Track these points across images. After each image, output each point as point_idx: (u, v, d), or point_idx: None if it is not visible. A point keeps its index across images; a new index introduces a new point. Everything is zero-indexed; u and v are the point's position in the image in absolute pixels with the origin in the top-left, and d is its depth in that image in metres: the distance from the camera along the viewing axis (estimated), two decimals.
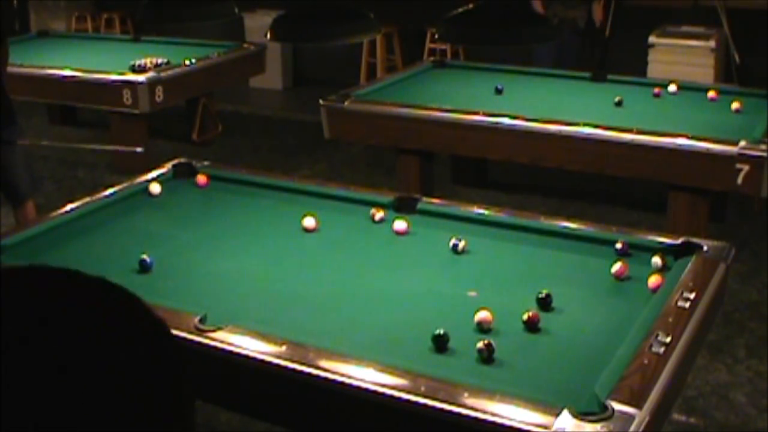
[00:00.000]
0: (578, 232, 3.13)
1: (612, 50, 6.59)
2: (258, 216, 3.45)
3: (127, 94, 5.86)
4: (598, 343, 2.44)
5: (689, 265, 2.80)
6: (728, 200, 5.10)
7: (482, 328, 2.48)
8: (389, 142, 5.15)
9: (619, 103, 4.96)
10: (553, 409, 2.02)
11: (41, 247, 3.09)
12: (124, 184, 3.65)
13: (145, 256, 2.90)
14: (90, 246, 3.16)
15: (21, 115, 4.52)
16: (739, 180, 4.06)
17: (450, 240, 3.05)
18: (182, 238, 3.26)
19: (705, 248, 2.90)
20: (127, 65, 6.13)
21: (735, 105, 4.84)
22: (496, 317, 2.49)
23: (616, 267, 2.83)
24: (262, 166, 5.68)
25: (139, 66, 6.11)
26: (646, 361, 2.23)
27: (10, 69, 4.57)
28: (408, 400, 2.11)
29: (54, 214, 3.40)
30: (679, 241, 2.98)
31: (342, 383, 2.20)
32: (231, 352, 2.36)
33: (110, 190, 3.61)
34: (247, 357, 2.34)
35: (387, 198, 3.45)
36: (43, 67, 6.16)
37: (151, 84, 5.86)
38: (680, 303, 2.53)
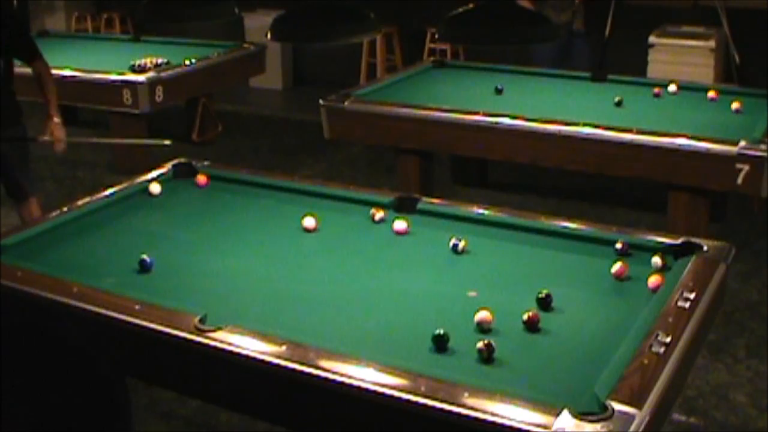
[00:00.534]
0: (578, 232, 3.13)
1: (612, 50, 6.59)
2: (258, 216, 3.45)
3: (127, 94, 5.86)
4: (598, 343, 2.44)
5: (689, 265, 2.80)
6: (728, 200, 5.10)
7: (482, 328, 2.48)
8: (389, 142, 5.15)
9: (619, 103, 4.96)
10: (553, 409, 2.02)
11: (41, 247, 3.09)
12: (124, 184, 3.65)
13: (145, 256, 2.90)
14: (90, 246, 3.16)
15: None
16: (739, 180, 4.06)
17: (450, 240, 3.05)
18: (182, 238, 3.26)
19: (705, 248, 2.90)
20: (127, 65, 6.13)
21: (735, 105, 4.84)
22: (496, 317, 2.49)
23: (616, 267, 2.83)
24: (262, 166, 5.68)
25: (139, 66, 6.12)
26: (646, 361, 2.23)
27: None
28: (408, 400, 2.11)
29: (54, 214, 3.41)
30: (679, 241, 2.98)
31: (342, 383, 2.20)
32: (231, 352, 2.36)
33: (110, 190, 3.61)
34: (247, 357, 2.34)
35: (387, 198, 3.45)
36: None
37: (151, 84, 5.86)
38: (680, 303, 2.53)
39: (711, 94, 5.10)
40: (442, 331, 2.38)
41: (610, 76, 5.52)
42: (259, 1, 8.24)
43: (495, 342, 2.34)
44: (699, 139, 4.17)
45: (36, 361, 3.02)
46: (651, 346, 2.29)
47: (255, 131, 7.58)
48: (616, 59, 6.48)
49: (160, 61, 6.24)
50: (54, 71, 6.04)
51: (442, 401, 2.08)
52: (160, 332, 2.47)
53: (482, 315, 2.49)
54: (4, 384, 3.07)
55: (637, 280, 2.79)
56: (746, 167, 4.03)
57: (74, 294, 2.67)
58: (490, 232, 3.21)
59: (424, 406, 2.09)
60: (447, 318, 2.55)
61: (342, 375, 2.21)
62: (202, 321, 2.46)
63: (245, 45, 7.13)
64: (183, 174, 3.80)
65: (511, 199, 5.58)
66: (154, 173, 3.76)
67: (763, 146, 4.04)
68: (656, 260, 2.88)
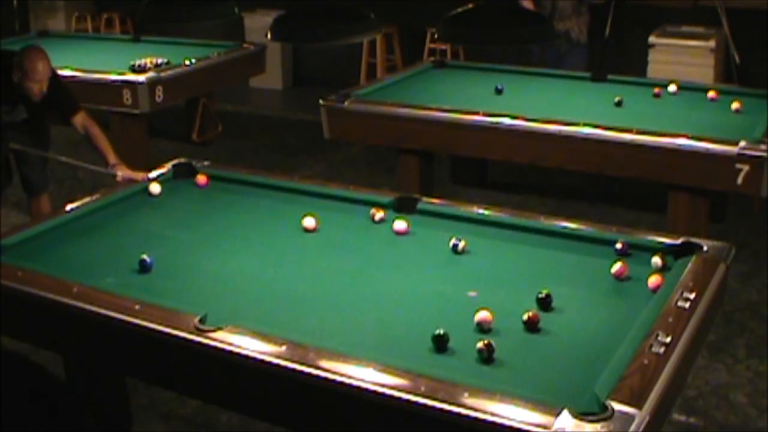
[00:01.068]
0: (578, 232, 3.13)
1: (612, 50, 6.59)
2: (258, 216, 3.45)
3: (127, 94, 5.85)
4: (598, 343, 2.44)
5: (689, 265, 2.80)
6: (728, 200, 5.10)
7: (482, 328, 2.48)
8: (389, 142, 5.15)
9: (619, 103, 4.95)
10: (553, 409, 2.02)
11: (41, 247, 3.10)
12: (124, 185, 3.66)
13: (145, 256, 2.90)
14: (90, 246, 3.16)
15: None
16: (739, 180, 4.05)
17: (450, 240, 3.05)
18: (182, 238, 3.26)
19: (705, 248, 2.91)
20: (127, 65, 6.13)
21: (735, 105, 4.83)
22: (496, 317, 2.50)
23: (616, 267, 2.83)
24: (262, 166, 5.68)
25: (139, 66, 6.11)
26: (646, 361, 2.23)
27: None
28: (408, 400, 2.11)
29: (54, 214, 3.41)
30: (679, 241, 2.98)
31: (342, 383, 2.20)
32: (231, 352, 2.36)
33: (110, 191, 3.61)
34: (247, 357, 2.34)
35: (387, 198, 3.46)
36: None
37: (151, 84, 5.85)
38: (680, 303, 2.53)
39: (711, 94, 5.09)
40: (442, 331, 2.38)
41: (610, 76, 5.51)
42: (259, 1, 8.24)
43: (495, 342, 2.34)
44: (699, 139, 4.17)
45: None
46: (651, 346, 2.29)
47: (255, 131, 7.58)
48: (616, 59, 6.48)
49: (160, 61, 6.24)
50: None
51: (442, 401, 2.08)
52: (160, 332, 2.47)
53: (482, 315, 2.49)
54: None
55: (637, 280, 2.79)
56: (746, 167, 4.02)
57: (74, 294, 2.67)
58: (490, 232, 3.21)
59: (424, 406, 2.09)
60: (447, 318, 2.55)
61: (342, 375, 2.21)
62: (202, 321, 2.46)
63: (245, 45, 7.12)
64: (183, 174, 3.80)
65: (511, 199, 5.58)
66: (154, 173, 3.77)
67: (763, 146, 4.04)
68: (656, 260, 2.88)
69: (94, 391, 3.23)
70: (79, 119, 4.45)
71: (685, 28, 6.92)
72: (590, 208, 5.47)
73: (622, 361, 2.23)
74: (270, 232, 3.29)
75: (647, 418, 2.02)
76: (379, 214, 3.32)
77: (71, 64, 6.19)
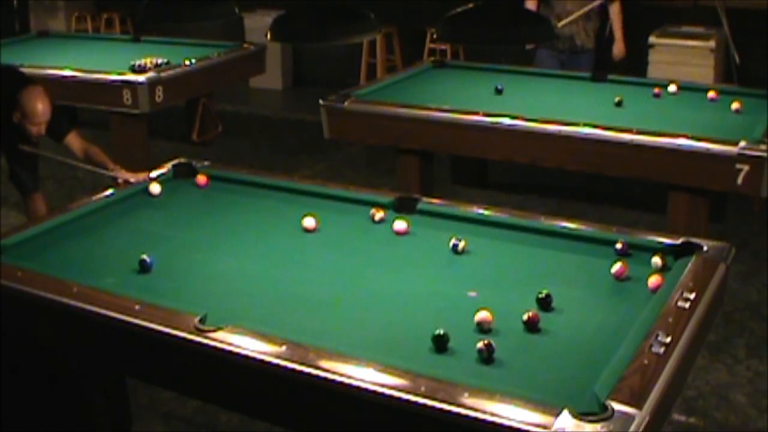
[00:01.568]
0: (578, 232, 3.13)
1: (611, 50, 6.58)
2: (258, 216, 3.45)
3: (127, 94, 5.85)
4: (598, 343, 2.44)
5: (689, 265, 2.80)
6: (728, 200, 5.10)
7: (482, 328, 2.48)
8: (389, 142, 5.15)
9: (619, 103, 4.95)
10: (553, 409, 2.02)
11: (41, 247, 3.09)
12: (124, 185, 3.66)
13: (145, 256, 2.90)
14: (90, 246, 3.16)
15: None
16: (739, 180, 4.05)
17: (450, 240, 3.05)
18: (182, 238, 3.26)
19: (705, 248, 2.90)
20: (127, 65, 6.12)
21: (735, 105, 4.83)
22: (496, 317, 2.50)
23: (616, 267, 2.83)
24: (262, 166, 5.68)
25: (139, 66, 6.11)
26: (646, 361, 2.23)
27: None
28: (408, 400, 2.11)
29: (54, 214, 3.41)
30: (679, 241, 2.98)
31: (342, 383, 2.20)
32: (231, 352, 2.36)
33: (110, 190, 3.61)
34: (247, 357, 2.34)
35: (387, 198, 3.46)
36: (43, 67, 6.13)
37: (151, 84, 5.85)
38: (680, 303, 2.53)
39: (711, 94, 5.09)
40: (442, 332, 2.38)
41: (610, 76, 5.51)
42: (259, 1, 8.24)
43: (495, 342, 2.34)
44: (699, 140, 4.17)
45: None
46: (651, 346, 2.29)
47: (255, 131, 7.58)
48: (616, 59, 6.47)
49: (160, 61, 6.23)
50: (54, 71, 6.10)
51: (441, 401, 2.08)
52: (160, 332, 2.47)
53: (482, 315, 2.49)
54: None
55: (637, 281, 2.79)
56: (746, 167, 4.02)
57: (74, 294, 2.67)
58: (490, 232, 3.21)
59: (424, 406, 2.09)
60: (447, 318, 2.55)
61: (342, 375, 2.21)
62: (202, 321, 2.46)
63: (245, 45, 7.12)
64: (183, 174, 3.80)
65: (511, 199, 5.58)
66: (154, 173, 3.76)
67: (763, 146, 4.04)
68: (656, 260, 2.88)
69: (93, 391, 3.23)
70: (73, 141, 4.40)
71: (685, 28, 6.92)
72: (590, 208, 5.47)
73: (622, 362, 2.23)
74: (270, 232, 3.29)
75: (647, 419, 2.02)
76: (379, 214, 3.32)
77: (71, 64, 6.20)
